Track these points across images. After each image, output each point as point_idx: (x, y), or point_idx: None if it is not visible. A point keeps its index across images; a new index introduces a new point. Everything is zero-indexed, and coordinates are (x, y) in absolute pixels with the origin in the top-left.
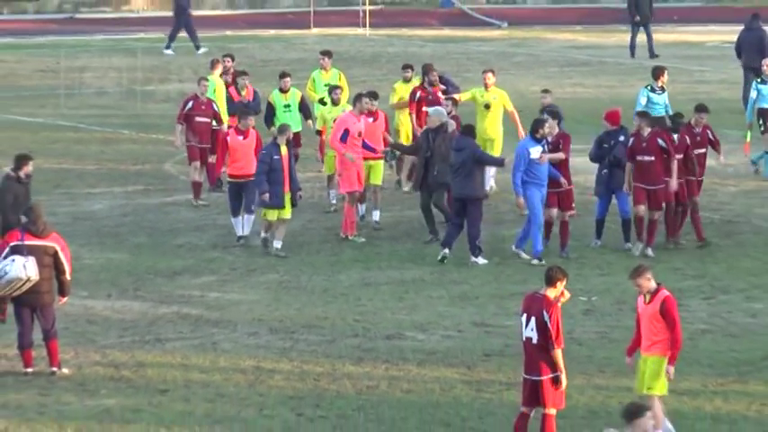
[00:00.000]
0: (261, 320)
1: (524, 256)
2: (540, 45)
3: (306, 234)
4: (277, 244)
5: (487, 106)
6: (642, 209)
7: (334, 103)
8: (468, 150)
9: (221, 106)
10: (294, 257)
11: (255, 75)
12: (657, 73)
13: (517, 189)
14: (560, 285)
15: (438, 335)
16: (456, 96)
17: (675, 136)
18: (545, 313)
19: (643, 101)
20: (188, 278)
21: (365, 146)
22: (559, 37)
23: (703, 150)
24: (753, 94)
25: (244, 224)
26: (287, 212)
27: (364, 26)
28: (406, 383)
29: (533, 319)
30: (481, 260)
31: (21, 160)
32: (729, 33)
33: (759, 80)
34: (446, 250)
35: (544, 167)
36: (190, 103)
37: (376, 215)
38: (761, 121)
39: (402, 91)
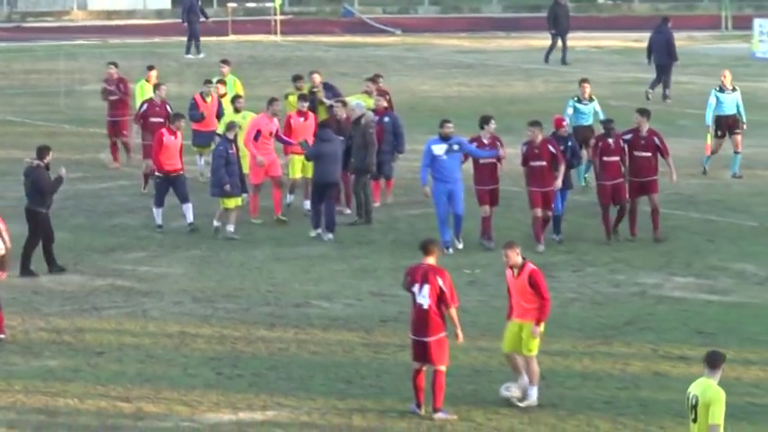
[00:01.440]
0: (185, 291)
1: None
2: (429, 50)
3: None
4: (230, 228)
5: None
6: (539, 211)
7: (236, 110)
8: (336, 142)
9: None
10: (214, 237)
11: (180, 77)
12: (582, 84)
13: (423, 181)
14: (436, 254)
15: (341, 303)
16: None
17: (610, 140)
18: (439, 279)
19: (570, 111)
20: (121, 254)
21: (280, 139)
22: (447, 43)
23: (648, 154)
24: (712, 100)
25: (186, 213)
26: (240, 200)
27: (276, 33)
28: (312, 346)
29: (426, 286)
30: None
31: (43, 150)
32: (596, 39)
33: (717, 88)
34: (319, 230)
35: (449, 164)
36: (145, 106)
37: (306, 204)
38: (717, 128)
39: (295, 101)
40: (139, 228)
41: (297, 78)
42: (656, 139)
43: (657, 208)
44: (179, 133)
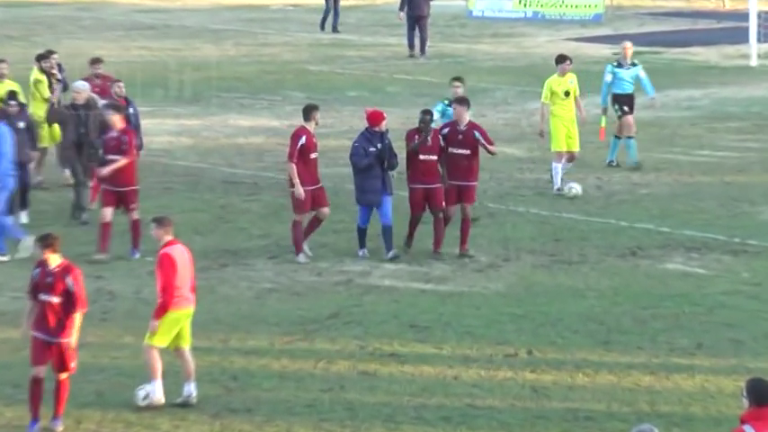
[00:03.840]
0: None
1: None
2: (106, 9)
3: None
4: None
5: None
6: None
7: None
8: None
9: (38, 98)
10: None
11: None
12: (624, 46)
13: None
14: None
15: (6, 297)
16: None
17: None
18: (68, 278)
19: (608, 78)
20: None
21: None
22: (125, 1)
23: (466, 152)
24: (608, 77)
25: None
26: None
27: None
28: None
29: (56, 283)
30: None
31: None
32: None
33: (615, 63)
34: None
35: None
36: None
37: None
38: (616, 107)
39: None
40: None
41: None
42: (476, 133)
43: (469, 218)
44: None
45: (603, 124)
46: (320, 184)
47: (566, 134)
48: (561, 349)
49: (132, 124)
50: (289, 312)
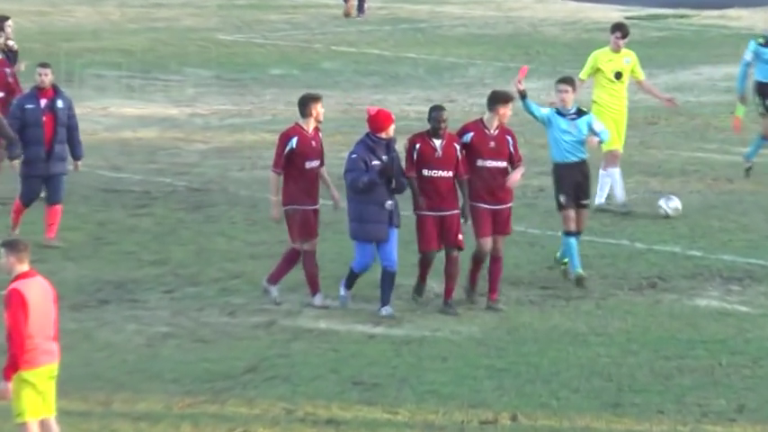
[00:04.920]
0: None
1: None
2: None
3: None
4: None
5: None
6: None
7: None
8: None
9: None
10: None
11: None
12: None
13: None
14: None
15: None
16: None
17: (436, 142)
18: None
19: (748, 57)
20: None
21: None
22: None
23: (501, 164)
24: (747, 56)
25: None
26: None
27: None
28: None
29: None
30: None
31: None
32: None
33: (762, 40)
34: None
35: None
36: None
37: None
38: (758, 99)
39: None
40: None
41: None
42: (509, 140)
43: (502, 256)
44: None
45: (740, 113)
46: (317, 205)
47: (615, 128)
48: (556, 413)
49: (59, 122)
50: (192, 365)
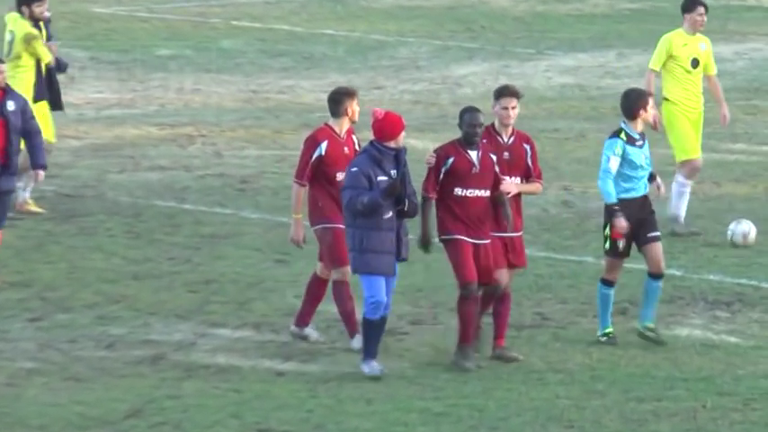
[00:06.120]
0: None
1: None
2: None
3: None
4: None
5: None
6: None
7: None
8: None
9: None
10: None
11: None
12: None
13: None
14: None
15: None
16: None
17: (471, 153)
18: None
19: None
20: None
21: None
22: None
23: (515, 180)
24: None
25: None
26: None
27: None
28: None
29: None
30: None
31: None
32: None
33: None
34: None
35: None
36: None
37: None
38: None
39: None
40: None
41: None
42: (526, 148)
43: (510, 293)
44: None
45: None
46: None
47: (693, 132)
48: None
49: (11, 128)
50: (62, 408)
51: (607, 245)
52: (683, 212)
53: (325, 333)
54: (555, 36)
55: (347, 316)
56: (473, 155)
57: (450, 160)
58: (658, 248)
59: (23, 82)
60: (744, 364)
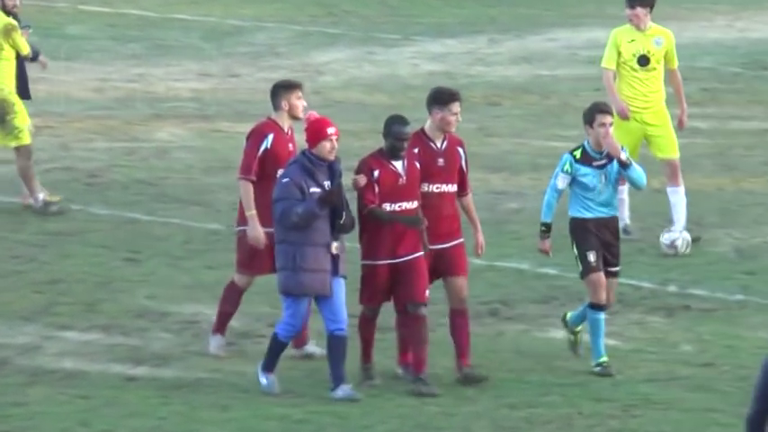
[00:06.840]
0: None
1: None
2: None
3: None
4: None
5: None
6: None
7: None
8: None
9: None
10: None
11: None
12: None
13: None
14: None
15: None
16: None
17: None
18: None
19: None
20: None
21: None
22: None
23: (450, 188)
24: None
25: None
26: None
27: None
28: None
29: None
30: None
31: None
32: None
33: None
34: None
35: None
36: None
37: None
38: None
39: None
40: None
41: None
42: (461, 153)
43: (467, 308)
44: None
45: None
46: None
47: (636, 134)
48: None
49: None
50: None
51: (580, 266)
52: (627, 218)
53: (179, 336)
54: (422, 21)
55: (224, 316)
56: (398, 165)
57: (376, 173)
58: (613, 284)
59: (4, 73)
60: (623, 368)
